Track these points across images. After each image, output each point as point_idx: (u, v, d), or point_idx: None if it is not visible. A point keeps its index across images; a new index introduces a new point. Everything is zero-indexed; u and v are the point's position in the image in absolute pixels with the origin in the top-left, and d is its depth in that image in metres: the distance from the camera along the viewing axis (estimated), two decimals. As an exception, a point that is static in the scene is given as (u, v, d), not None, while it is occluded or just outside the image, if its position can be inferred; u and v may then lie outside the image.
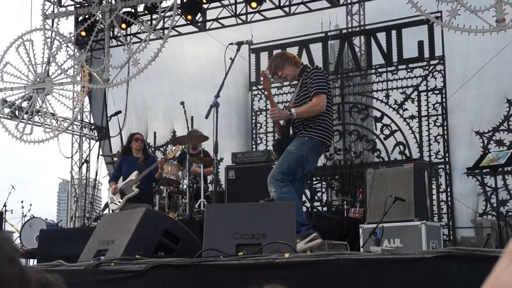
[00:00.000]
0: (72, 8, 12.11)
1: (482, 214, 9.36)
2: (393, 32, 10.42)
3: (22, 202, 11.05)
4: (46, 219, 10.25)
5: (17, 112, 11.75)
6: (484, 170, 8.42)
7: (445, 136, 9.79)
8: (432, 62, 10.06)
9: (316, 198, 10.55)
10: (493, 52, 9.27)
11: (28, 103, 11.60)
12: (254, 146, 11.36)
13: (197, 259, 4.40)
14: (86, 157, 11.89)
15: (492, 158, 7.08)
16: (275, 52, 11.42)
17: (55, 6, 12.08)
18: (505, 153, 7.11)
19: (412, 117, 10.12)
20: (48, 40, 11.52)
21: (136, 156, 7.80)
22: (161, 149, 12.29)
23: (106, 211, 8.59)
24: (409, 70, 10.25)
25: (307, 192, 10.47)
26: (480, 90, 9.75)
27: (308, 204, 10.46)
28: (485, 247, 6.35)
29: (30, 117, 11.54)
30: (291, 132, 5.42)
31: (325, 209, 10.34)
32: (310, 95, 5.23)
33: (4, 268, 0.70)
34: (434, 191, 9.52)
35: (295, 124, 5.30)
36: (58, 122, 11.74)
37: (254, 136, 11.47)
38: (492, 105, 9.68)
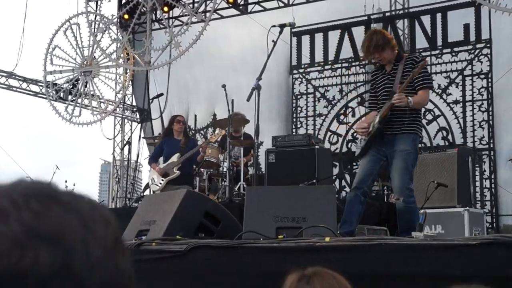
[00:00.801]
0: (115, -9, 12.22)
1: (528, 202, 9.16)
2: (438, 15, 10.20)
3: (66, 182, 11.27)
4: (89, 199, 10.41)
5: (62, 95, 11.94)
6: (530, 157, 8.22)
7: (490, 122, 9.57)
8: (478, 45, 9.82)
9: (356, 183, 10.45)
10: (543, 35, 9.00)
11: (76, 85, 11.80)
12: (294, 130, 11.33)
13: (237, 241, 4.42)
14: (128, 138, 12.04)
15: (540, 145, 6.91)
16: (317, 35, 11.37)
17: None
18: (553, 140, 6.93)
19: (456, 102, 9.92)
20: (93, 23, 11.65)
21: (178, 139, 7.87)
22: (202, 132, 12.36)
23: (146, 192, 8.70)
24: (454, 54, 10.04)
25: (347, 177, 10.41)
26: (528, 75, 9.48)
27: (347, 189, 10.39)
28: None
29: (79, 99, 11.75)
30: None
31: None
32: (414, 85, 5.08)
33: (99, 227, 0.72)
34: (477, 178, 9.33)
35: (398, 113, 5.10)
36: (105, 105, 11.93)
37: (294, 120, 11.44)
38: (541, 90, 9.41)
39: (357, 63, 10.99)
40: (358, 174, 5.23)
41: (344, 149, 10.74)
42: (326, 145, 10.69)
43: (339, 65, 11.14)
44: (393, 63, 5.19)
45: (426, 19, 10.33)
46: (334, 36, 11.23)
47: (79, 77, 11.74)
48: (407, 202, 4.94)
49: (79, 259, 0.68)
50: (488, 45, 9.72)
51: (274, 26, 6.20)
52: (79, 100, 11.72)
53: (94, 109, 11.73)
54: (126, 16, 11.67)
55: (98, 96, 11.75)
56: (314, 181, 7.19)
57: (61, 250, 0.66)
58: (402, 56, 5.25)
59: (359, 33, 11.01)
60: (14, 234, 0.65)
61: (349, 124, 10.81)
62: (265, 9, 11.78)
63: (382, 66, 5.33)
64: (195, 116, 12.52)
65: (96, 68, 11.63)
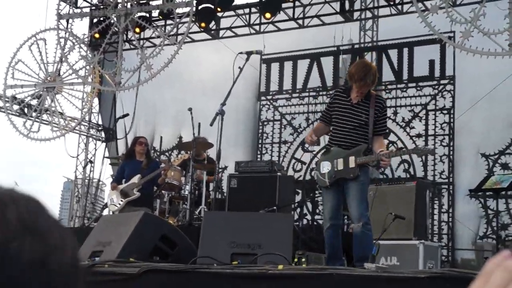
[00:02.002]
0: (87, 9, 12.19)
1: (483, 237, 9.30)
2: (405, 50, 10.42)
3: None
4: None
5: (26, 110, 11.80)
6: (487, 193, 8.37)
7: (451, 157, 9.75)
8: (442, 81, 10.04)
9: (317, 211, 10.51)
10: (504, 75, 9.23)
11: (37, 101, 11.65)
12: (259, 156, 11.37)
13: (191, 265, 4.40)
14: (91, 158, 11.90)
15: (496, 181, 7.06)
16: (286, 63, 11.49)
17: (70, 7, 12.15)
18: (509, 177, 7.09)
19: (418, 135, 10.08)
20: (62, 40, 11.56)
21: (139, 160, 7.81)
22: (166, 154, 12.32)
23: (105, 212, 8.61)
24: (418, 88, 10.24)
25: (309, 205, 10.46)
26: (488, 113, 9.70)
27: (309, 217, 10.44)
28: (483, 270, 6.30)
29: (39, 115, 11.57)
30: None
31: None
32: (375, 127, 5.13)
33: (70, 243, 0.81)
34: (436, 211, 9.46)
35: (357, 144, 5.15)
36: (66, 122, 11.78)
37: (260, 146, 11.49)
38: (500, 128, 9.63)
39: (324, 92, 11.13)
40: (329, 209, 5.19)
41: (308, 177, 10.81)
42: (290, 172, 10.74)
43: (307, 94, 11.26)
44: (362, 98, 5.15)
45: (393, 53, 10.54)
46: (303, 64, 11.37)
47: (41, 92, 11.58)
48: (366, 228, 4.99)
49: (55, 259, 0.78)
50: (452, 81, 9.95)
51: (241, 53, 6.26)
52: (39, 116, 11.54)
53: (54, 125, 11.55)
54: (97, 35, 11.62)
55: (60, 112, 11.59)
56: (275, 208, 7.21)
57: (44, 246, 0.77)
58: (371, 93, 5.19)
59: (328, 63, 11.18)
60: (8, 222, 0.76)
61: (314, 153, 10.90)
62: (236, 35, 11.89)
63: (347, 90, 5.26)
64: (161, 137, 12.48)
65: (59, 84, 11.47)
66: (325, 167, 5.21)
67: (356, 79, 5.04)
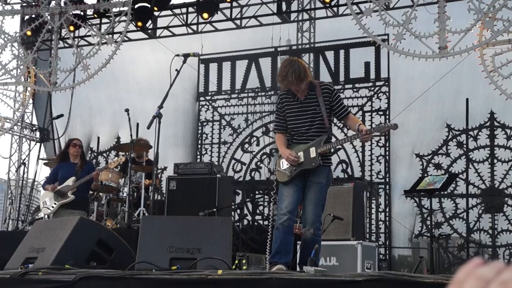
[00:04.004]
0: (18, 6, 11.79)
1: (418, 235, 9.58)
2: (341, 52, 10.58)
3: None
4: (-22, 220, 9.93)
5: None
6: (421, 193, 8.62)
7: (387, 157, 9.97)
8: (378, 83, 10.24)
9: (258, 211, 10.56)
10: (435, 78, 9.52)
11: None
12: (199, 157, 11.32)
13: (128, 272, 4.33)
14: (24, 159, 11.54)
15: (429, 182, 7.27)
16: (224, 64, 11.48)
17: (0, 4, 11.72)
18: (441, 178, 7.31)
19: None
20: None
21: (74, 162, 7.62)
22: (104, 154, 12.09)
23: (41, 215, 8.36)
24: (355, 90, 10.41)
25: (249, 205, 10.49)
26: (422, 114, 9.98)
27: (249, 218, 10.47)
28: (417, 269, 6.49)
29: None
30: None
31: (266, 223, 10.34)
32: (338, 110, 5.03)
33: None
34: (373, 210, 9.67)
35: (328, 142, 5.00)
36: (1, 123, 11.38)
37: (199, 146, 11.43)
38: (433, 129, 9.93)
39: (263, 93, 11.18)
40: (287, 203, 4.96)
41: (248, 177, 10.83)
42: (230, 173, 10.74)
43: (246, 94, 11.27)
44: (307, 92, 5.04)
45: (330, 55, 10.68)
46: (241, 65, 11.38)
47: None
48: (316, 235, 4.88)
49: None
50: (387, 83, 10.17)
51: (178, 55, 6.18)
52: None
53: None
54: (29, 33, 11.26)
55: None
56: (215, 209, 7.19)
57: None
58: (314, 84, 5.10)
59: (266, 64, 11.23)
60: None
61: (253, 153, 10.94)
62: (174, 35, 11.76)
63: (291, 91, 5.08)
64: (98, 138, 12.23)
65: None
66: (286, 163, 5.04)
67: (280, 80, 4.99)
